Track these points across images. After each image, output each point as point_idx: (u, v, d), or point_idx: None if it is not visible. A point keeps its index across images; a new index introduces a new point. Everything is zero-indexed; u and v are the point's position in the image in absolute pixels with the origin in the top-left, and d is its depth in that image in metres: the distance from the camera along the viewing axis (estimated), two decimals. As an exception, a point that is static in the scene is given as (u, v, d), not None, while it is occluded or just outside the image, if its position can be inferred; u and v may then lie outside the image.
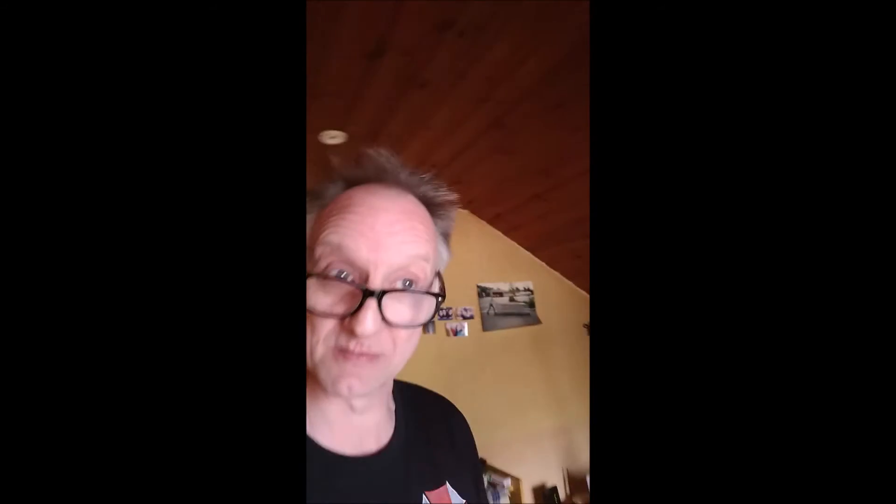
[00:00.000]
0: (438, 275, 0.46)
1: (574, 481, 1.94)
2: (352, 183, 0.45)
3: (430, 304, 0.43)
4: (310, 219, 0.44)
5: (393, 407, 0.53)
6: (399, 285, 0.41)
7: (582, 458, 2.14)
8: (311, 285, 0.41)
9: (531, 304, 2.33)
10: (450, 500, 0.51)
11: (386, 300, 0.40)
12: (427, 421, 0.55)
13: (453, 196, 0.47)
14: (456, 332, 2.15)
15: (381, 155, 0.45)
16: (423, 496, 0.48)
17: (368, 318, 0.38)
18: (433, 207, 0.47)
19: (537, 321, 2.29)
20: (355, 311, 0.39)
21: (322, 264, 0.41)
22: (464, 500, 0.52)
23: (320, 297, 0.40)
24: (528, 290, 2.36)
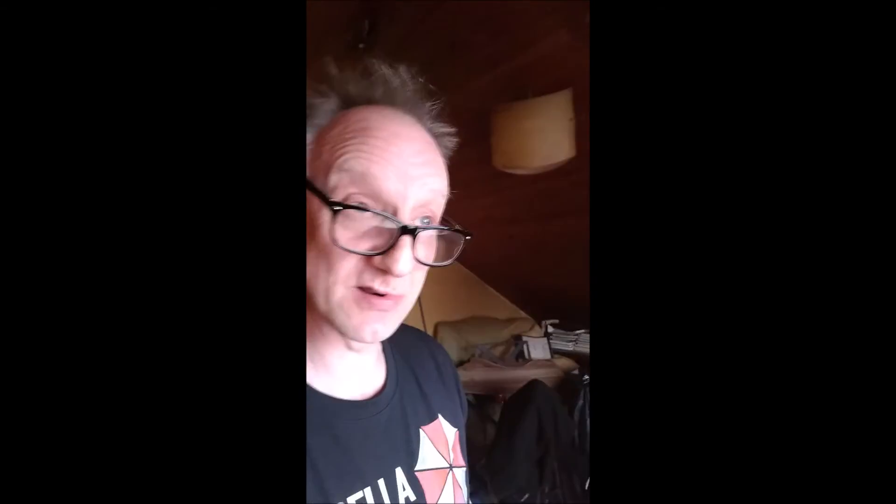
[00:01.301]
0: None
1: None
2: (352, 101, 0.41)
3: (449, 243, 0.42)
4: (310, 138, 0.40)
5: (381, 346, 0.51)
6: (419, 222, 0.39)
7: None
8: (327, 217, 0.37)
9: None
10: (444, 432, 0.51)
11: (421, 242, 0.38)
12: (414, 358, 0.54)
13: (453, 129, 0.44)
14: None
15: (396, 73, 0.41)
16: (421, 431, 0.49)
17: (406, 257, 0.36)
18: (437, 139, 0.43)
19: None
20: (389, 249, 0.37)
21: (340, 194, 0.37)
22: (455, 429, 0.53)
23: (340, 232, 0.37)
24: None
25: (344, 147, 0.38)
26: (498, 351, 2.51)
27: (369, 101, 0.41)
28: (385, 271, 0.37)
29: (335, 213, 0.37)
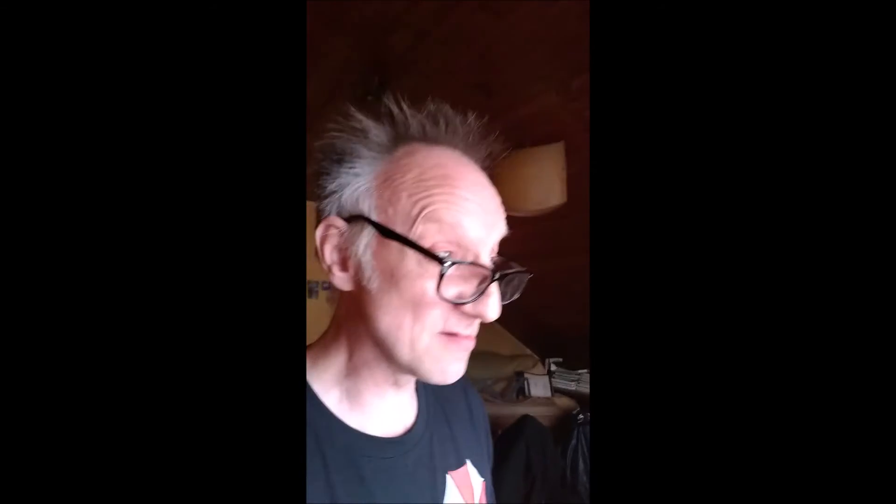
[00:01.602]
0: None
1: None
2: (408, 138, 0.41)
3: (515, 281, 0.42)
4: (368, 177, 0.40)
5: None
6: (490, 264, 0.40)
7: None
8: (417, 268, 0.38)
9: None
10: (471, 480, 0.49)
11: (503, 286, 0.40)
12: (445, 397, 0.53)
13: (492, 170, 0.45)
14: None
15: (453, 116, 0.42)
16: (447, 477, 0.47)
17: (497, 302, 0.38)
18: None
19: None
20: (480, 296, 0.38)
21: (427, 243, 0.37)
22: (483, 479, 0.51)
23: (428, 283, 0.37)
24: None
25: (429, 197, 0.38)
26: (499, 387, 2.54)
27: (425, 138, 0.41)
28: (474, 316, 0.39)
29: (443, 268, 0.37)
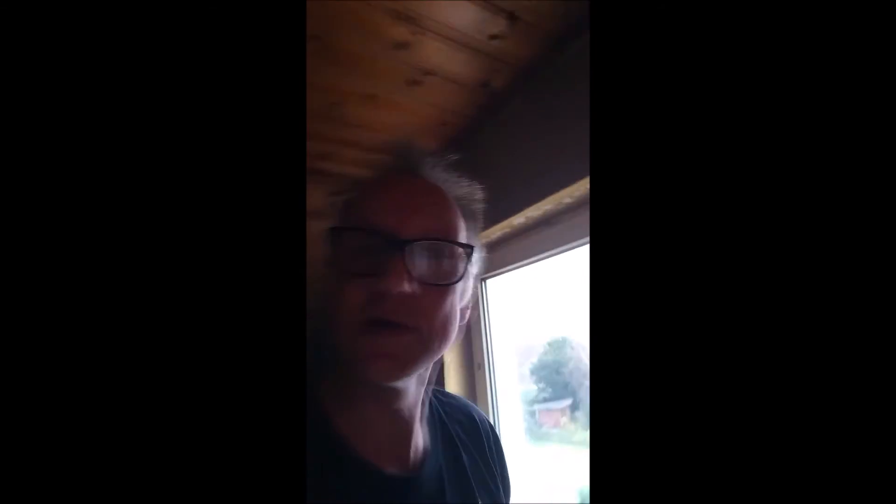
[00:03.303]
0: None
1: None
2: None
3: (454, 261, 0.41)
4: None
5: (425, 415, 0.48)
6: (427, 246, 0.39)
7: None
8: (335, 269, 0.39)
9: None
10: None
11: (416, 257, 0.38)
12: (459, 432, 0.52)
13: (480, 193, 0.46)
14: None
15: (403, 144, 0.45)
16: None
17: (398, 271, 0.36)
18: (451, 188, 0.46)
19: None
20: (383, 269, 0.37)
21: (346, 238, 0.39)
22: None
23: (332, 252, 0.39)
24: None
25: (358, 198, 0.43)
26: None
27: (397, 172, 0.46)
28: (385, 295, 0.37)
29: (329, 234, 0.39)
